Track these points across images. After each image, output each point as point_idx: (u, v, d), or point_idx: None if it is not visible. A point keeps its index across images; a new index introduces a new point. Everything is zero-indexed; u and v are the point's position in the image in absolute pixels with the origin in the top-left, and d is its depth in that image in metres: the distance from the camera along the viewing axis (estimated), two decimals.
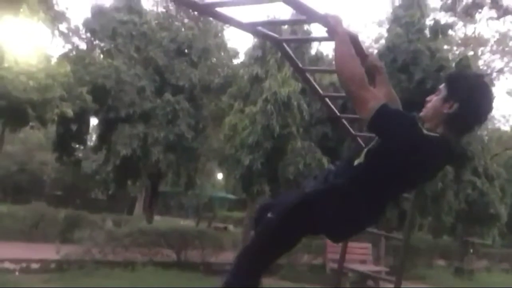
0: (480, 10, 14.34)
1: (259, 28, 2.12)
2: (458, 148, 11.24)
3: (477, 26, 24.37)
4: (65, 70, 11.26)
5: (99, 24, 15.01)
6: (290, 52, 2.25)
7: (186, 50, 15.71)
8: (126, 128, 14.12)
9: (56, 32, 17.63)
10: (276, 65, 11.28)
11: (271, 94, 10.69)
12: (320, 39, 2.74)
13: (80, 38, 18.88)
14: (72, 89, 12.02)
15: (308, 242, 9.73)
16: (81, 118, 14.10)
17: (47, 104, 10.30)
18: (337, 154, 10.75)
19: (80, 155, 18.19)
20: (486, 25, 30.86)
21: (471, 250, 16.55)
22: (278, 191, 11.53)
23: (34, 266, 8.52)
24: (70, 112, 11.02)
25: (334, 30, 1.78)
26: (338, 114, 2.76)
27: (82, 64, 13.91)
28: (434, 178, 9.37)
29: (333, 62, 1.84)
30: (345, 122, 2.82)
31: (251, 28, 2.09)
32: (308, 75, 2.47)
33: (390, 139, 1.69)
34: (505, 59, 22.13)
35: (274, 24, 7.22)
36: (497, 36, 21.62)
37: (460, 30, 20.80)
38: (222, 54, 17.85)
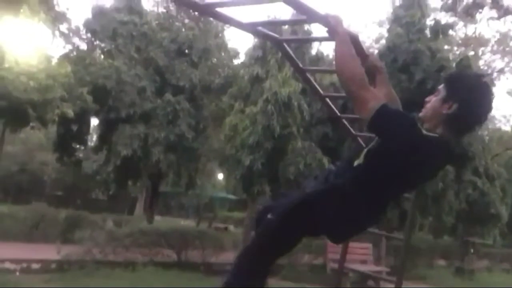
0: (480, 10, 14.31)
1: (260, 28, 2.12)
2: (457, 148, 11.24)
3: (478, 26, 24.36)
4: (65, 71, 11.27)
5: (100, 25, 15.02)
6: (291, 52, 2.25)
7: (186, 51, 15.72)
8: (127, 129, 14.13)
9: (57, 32, 17.64)
10: (277, 65, 11.28)
11: (271, 94, 10.69)
12: (320, 39, 2.74)
13: (80, 38, 18.91)
14: (73, 90, 12.03)
15: (308, 242, 9.73)
16: (82, 119, 14.12)
17: (47, 105, 10.31)
18: (338, 154, 10.74)
19: (81, 155, 18.21)
20: (487, 25, 30.90)
21: (472, 250, 16.53)
22: (278, 191, 11.52)
23: (35, 266, 8.52)
24: (70, 113, 11.03)
25: (335, 30, 1.78)
26: (339, 114, 2.76)
27: (83, 65, 13.92)
28: (434, 178, 9.38)
29: (334, 62, 1.84)
30: (345, 122, 2.82)
31: (251, 28, 2.09)
32: (308, 75, 2.47)
33: (390, 140, 1.69)
34: (506, 59, 22.14)
35: (274, 24, 7.23)
36: (497, 36, 21.63)
37: (461, 30, 20.82)
38: (223, 54, 17.86)
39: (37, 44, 10.20)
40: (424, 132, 1.70)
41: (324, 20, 1.80)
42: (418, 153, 1.66)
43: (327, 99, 2.64)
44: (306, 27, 12.22)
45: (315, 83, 2.52)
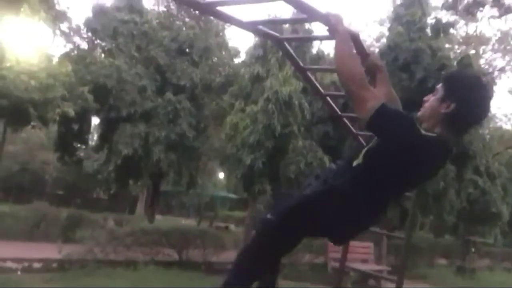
0: (481, 9, 14.28)
1: (260, 27, 2.12)
2: (456, 148, 11.23)
3: (479, 24, 24.29)
4: (66, 70, 11.27)
5: (100, 24, 15.01)
6: (291, 51, 2.25)
7: (187, 49, 15.70)
8: (128, 128, 14.13)
9: (57, 31, 17.69)
10: (277, 64, 11.28)
11: (272, 93, 10.68)
12: (321, 38, 2.74)
13: (81, 37, 18.94)
14: (74, 89, 12.03)
15: (309, 241, 9.72)
16: (83, 118, 14.11)
17: (48, 104, 10.31)
18: (339, 153, 10.74)
19: (82, 154, 18.20)
20: (488, 23, 30.84)
21: (473, 249, 16.53)
22: (279, 190, 11.53)
23: (36, 265, 8.54)
24: (71, 112, 11.03)
25: (335, 29, 1.78)
26: (339, 113, 2.76)
27: (83, 64, 13.92)
28: (434, 178, 9.37)
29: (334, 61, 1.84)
30: (346, 121, 2.82)
31: (252, 27, 2.09)
32: (309, 74, 2.47)
33: (389, 139, 1.68)
34: (507, 58, 22.12)
35: (275, 23, 7.23)
36: (498, 34, 21.62)
37: (462, 29, 20.79)
38: (223, 53, 17.85)
39: (38, 43, 10.19)
40: (423, 131, 1.70)
41: (324, 18, 1.79)
42: (417, 153, 1.66)
43: (328, 98, 2.64)
44: (307, 26, 12.20)
45: (315, 82, 2.52)
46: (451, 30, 14.71)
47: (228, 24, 14.86)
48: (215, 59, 17.02)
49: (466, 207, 12.91)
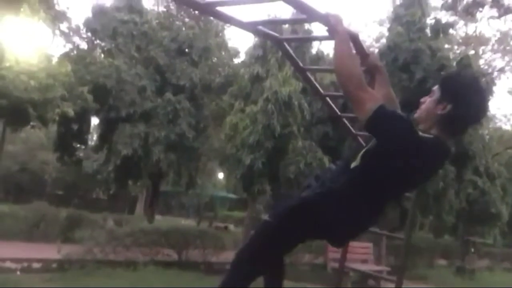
0: (481, 9, 14.28)
1: (260, 27, 2.11)
2: (454, 149, 11.23)
3: (478, 25, 24.36)
4: (66, 70, 11.27)
5: (100, 24, 15.01)
6: (291, 52, 2.25)
7: (187, 50, 15.70)
8: (127, 128, 14.13)
9: (57, 31, 17.70)
10: (277, 65, 11.29)
11: (272, 94, 10.69)
12: (320, 38, 2.74)
13: (81, 37, 18.94)
14: (73, 89, 12.03)
15: (309, 241, 9.71)
16: (82, 118, 14.11)
17: (48, 104, 10.30)
18: (338, 154, 10.74)
19: (81, 154, 18.21)
20: (487, 24, 30.87)
21: (472, 250, 16.54)
22: (279, 190, 11.53)
23: (36, 265, 8.52)
24: (71, 112, 11.02)
25: (335, 29, 1.78)
26: (339, 113, 2.76)
27: (83, 64, 13.92)
28: (432, 179, 9.37)
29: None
30: (346, 121, 2.81)
31: (251, 27, 2.08)
32: (309, 74, 2.47)
33: (387, 141, 1.68)
34: (506, 58, 22.14)
35: (274, 23, 7.24)
36: (498, 35, 21.63)
37: (461, 29, 20.81)
38: (223, 53, 17.86)
39: (37, 43, 10.18)
40: (420, 133, 1.70)
41: (324, 19, 1.79)
42: (415, 154, 1.66)
43: (328, 98, 2.64)
44: (307, 26, 12.21)
45: (315, 82, 2.52)
46: (451, 31, 14.73)
47: (227, 25, 14.87)
48: (214, 59, 17.03)
49: (466, 208, 12.91)
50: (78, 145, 16.60)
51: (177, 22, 18.51)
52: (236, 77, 13.91)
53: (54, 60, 12.26)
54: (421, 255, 13.78)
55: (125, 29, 14.95)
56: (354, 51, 1.88)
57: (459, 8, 14.01)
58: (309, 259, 11.06)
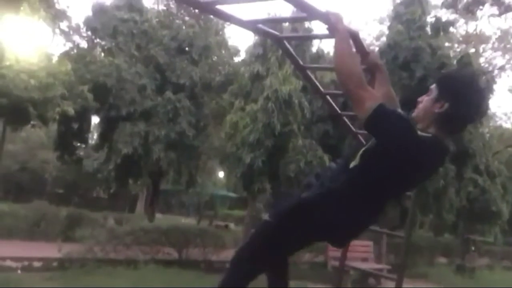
0: (481, 7, 14.26)
1: (260, 25, 2.11)
2: (456, 147, 11.24)
3: (479, 23, 24.26)
4: (66, 69, 11.26)
5: (100, 22, 15.00)
6: (291, 50, 2.24)
7: (187, 48, 15.69)
8: (127, 127, 14.13)
9: (57, 30, 17.69)
10: (277, 63, 11.28)
11: (272, 92, 10.68)
12: (320, 37, 2.73)
13: (81, 36, 18.92)
14: (73, 88, 12.03)
15: (311, 245, 9.70)
16: (82, 117, 14.11)
17: (48, 103, 10.30)
18: (338, 152, 10.73)
19: (82, 153, 18.21)
20: (488, 22, 30.76)
21: (473, 248, 16.54)
22: (279, 189, 11.53)
23: (36, 264, 8.54)
24: (71, 111, 11.03)
25: (335, 27, 1.77)
26: (339, 111, 2.75)
27: (83, 63, 13.91)
28: (432, 178, 9.37)
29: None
30: (346, 119, 2.81)
31: (252, 25, 2.08)
32: (309, 72, 2.46)
33: (386, 140, 1.68)
34: (507, 56, 22.09)
35: (275, 22, 7.22)
36: (498, 33, 21.59)
37: (462, 27, 20.77)
38: (223, 52, 17.85)
39: (38, 42, 10.18)
40: (419, 132, 1.70)
41: (324, 17, 1.79)
42: (414, 153, 1.66)
43: (328, 97, 2.64)
44: (307, 24, 12.22)
45: (315, 81, 2.51)
46: (451, 29, 14.72)
47: (227, 23, 14.86)
48: (214, 58, 17.02)
49: (466, 206, 12.91)
50: (79, 144, 16.59)
51: (177, 21, 18.49)
52: (236, 76, 13.90)
53: (54, 59, 12.25)
54: (421, 254, 13.79)
55: (125, 27, 14.94)
56: (354, 50, 1.88)
57: (460, 6, 14.00)
58: (309, 257, 11.06)
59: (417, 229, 18.00)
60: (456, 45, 19.77)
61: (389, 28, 13.37)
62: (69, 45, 18.59)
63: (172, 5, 19.89)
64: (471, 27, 21.13)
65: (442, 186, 11.09)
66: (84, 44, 17.68)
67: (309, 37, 10.70)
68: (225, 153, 12.11)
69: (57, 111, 10.65)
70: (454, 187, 11.98)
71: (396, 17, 12.72)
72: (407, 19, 12.24)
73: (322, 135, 12.19)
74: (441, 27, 12.74)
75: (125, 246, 9.11)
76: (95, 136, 19.19)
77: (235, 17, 1.97)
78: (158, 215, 19.32)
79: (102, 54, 15.48)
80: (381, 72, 2.07)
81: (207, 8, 1.99)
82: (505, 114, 25.45)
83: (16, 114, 10.11)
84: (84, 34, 17.85)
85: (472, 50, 19.14)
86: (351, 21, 22.94)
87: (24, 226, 11.68)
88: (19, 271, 8.01)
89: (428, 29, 12.73)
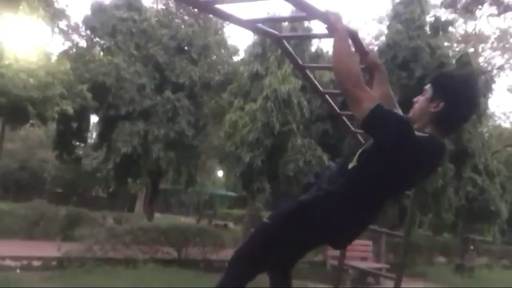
0: (480, 7, 14.27)
1: (259, 25, 2.11)
2: (455, 146, 11.24)
3: (478, 22, 24.31)
4: (65, 68, 11.26)
5: (99, 22, 14.98)
6: (290, 49, 2.24)
7: (186, 48, 15.68)
8: (126, 126, 14.11)
9: (56, 29, 17.68)
10: (276, 62, 11.27)
11: (271, 91, 10.68)
12: (320, 36, 2.73)
13: (80, 35, 18.91)
14: (72, 87, 12.03)
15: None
16: (81, 116, 14.10)
17: (47, 102, 10.30)
18: (338, 151, 10.75)
19: (81, 152, 18.19)
20: (487, 21, 30.78)
21: (472, 247, 16.56)
22: (278, 188, 11.53)
23: (35, 263, 8.54)
24: (70, 110, 11.03)
25: (334, 27, 1.77)
26: (338, 111, 2.75)
27: (82, 62, 13.90)
28: (431, 177, 9.37)
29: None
30: (345, 119, 2.81)
31: (251, 25, 2.08)
32: (308, 72, 2.46)
33: (383, 140, 1.69)
34: (506, 56, 22.10)
35: (274, 21, 7.20)
36: (497, 32, 21.59)
37: (461, 27, 20.77)
38: (222, 51, 17.84)
39: (36, 41, 10.18)
40: (416, 132, 1.71)
41: (323, 16, 1.79)
42: (411, 154, 1.67)
43: (327, 96, 2.64)
44: (306, 24, 12.21)
45: (314, 80, 2.51)
46: (450, 28, 14.71)
47: (227, 22, 14.86)
48: (214, 57, 17.01)
49: (465, 205, 12.92)
50: (78, 143, 16.57)
51: (176, 20, 18.47)
52: (235, 75, 13.89)
53: (53, 58, 12.27)
54: (420, 253, 13.81)
55: (124, 27, 14.92)
56: (353, 49, 1.88)
57: (459, 5, 14.01)
58: (308, 256, 11.03)
59: (416, 229, 18.04)
60: (455, 45, 19.78)
61: (388, 27, 13.36)
62: (68, 44, 18.58)
63: (171, 4, 19.88)
64: (470, 26, 21.15)
65: (441, 186, 11.10)
66: (83, 43, 17.69)
67: (308, 37, 10.70)
68: (225, 153, 12.10)
69: (56, 110, 10.65)
70: (453, 186, 11.98)
71: (395, 16, 12.72)
72: (406, 19, 12.24)
73: (321, 134, 12.19)
74: (440, 27, 12.73)
75: (124, 245, 9.12)
76: (94, 135, 19.17)
77: (234, 17, 1.97)
78: (157, 215, 19.31)
79: (101, 53, 15.46)
80: (380, 72, 2.08)
81: (206, 7, 1.99)
82: (504, 114, 25.52)
83: (15, 113, 10.10)
84: (83, 33, 17.85)
85: (471, 50, 19.14)
86: (350, 20, 22.95)
87: (23, 225, 11.68)
88: (18, 270, 8.01)
89: (427, 28, 12.72)
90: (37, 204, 14.19)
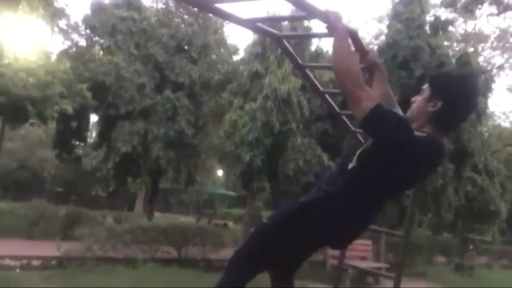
0: (480, 6, 14.28)
1: (259, 24, 2.11)
2: (455, 146, 11.24)
3: (478, 22, 24.32)
4: (64, 67, 11.25)
5: (99, 21, 14.98)
6: (290, 49, 2.24)
7: (186, 47, 15.68)
8: (126, 125, 14.11)
9: (56, 28, 17.67)
10: (276, 62, 11.27)
11: (271, 91, 10.68)
12: (319, 35, 2.73)
13: (79, 34, 18.90)
14: (72, 86, 12.02)
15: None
16: (81, 115, 14.09)
17: (47, 101, 10.30)
18: (337, 151, 10.75)
19: (80, 152, 18.18)
20: (487, 21, 30.78)
21: (471, 247, 16.57)
22: (278, 188, 11.53)
23: (35, 263, 8.54)
24: (70, 109, 11.02)
25: (334, 26, 1.77)
26: (338, 110, 2.75)
27: (82, 61, 13.89)
28: (430, 177, 9.38)
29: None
30: (345, 118, 2.81)
31: (250, 24, 2.08)
32: (308, 71, 2.46)
33: (383, 140, 1.69)
34: (506, 55, 22.09)
35: (274, 20, 7.20)
36: (497, 32, 21.59)
37: (461, 26, 20.76)
38: (222, 50, 17.84)
39: (36, 40, 10.17)
40: (415, 132, 1.71)
41: (323, 16, 1.79)
42: (410, 153, 1.67)
43: (327, 95, 2.64)
44: (306, 23, 12.20)
45: (314, 80, 2.51)
46: (450, 28, 14.71)
47: (226, 22, 14.86)
48: (214, 57, 17.01)
49: (465, 205, 12.93)
50: (77, 143, 16.57)
51: (176, 19, 18.47)
52: (235, 74, 13.90)
53: (53, 57, 12.26)
54: (420, 252, 13.81)
55: (124, 26, 14.92)
56: (353, 49, 1.88)
57: (459, 5, 14.01)
58: None
59: (415, 228, 18.04)
60: (455, 44, 19.77)
61: (388, 27, 13.36)
62: (67, 43, 18.58)
63: (171, 3, 19.87)
64: (470, 26, 21.16)
65: (441, 185, 11.10)
66: (82, 43, 17.69)
67: (308, 36, 10.69)
68: (224, 152, 12.10)
69: (55, 110, 10.65)
70: (453, 186, 11.99)
71: (395, 16, 12.72)
72: (406, 18, 12.24)
73: (321, 133, 12.19)
74: (440, 26, 12.74)
75: (124, 244, 9.11)
76: (94, 134, 19.17)
77: (234, 16, 1.97)
78: (157, 214, 19.31)
79: (101, 53, 15.45)
80: (379, 71, 2.08)
81: (206, 6, 1.99)
82: (504, 113, 25.53)
83: (15, 112, 10.10)
84: (83, 32, 17.85)
85: (471, 49, 19.14)
86: (350, 20, 22.94)
87: (23, 225, 11.68)
88: (18, 270, 8.01)
89: (427, 28, 12.72)
90: (36, 203, 14.19)
